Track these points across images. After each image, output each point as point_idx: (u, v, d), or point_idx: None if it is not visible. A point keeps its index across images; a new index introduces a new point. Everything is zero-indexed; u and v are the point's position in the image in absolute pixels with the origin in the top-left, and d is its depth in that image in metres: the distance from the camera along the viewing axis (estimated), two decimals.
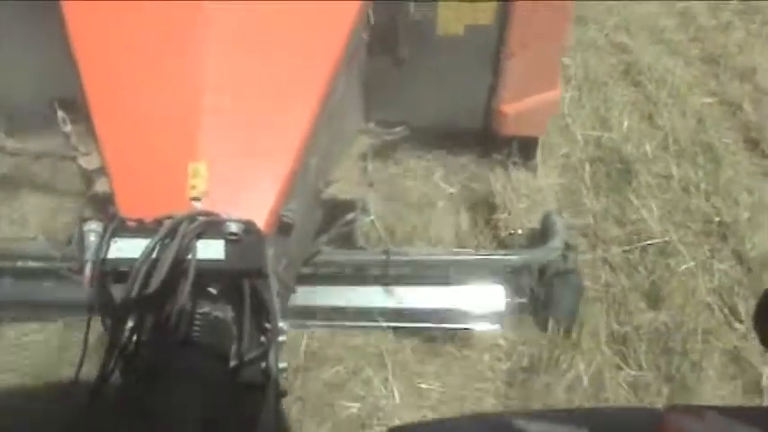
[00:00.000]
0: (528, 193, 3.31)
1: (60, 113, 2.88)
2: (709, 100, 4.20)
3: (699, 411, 1.26)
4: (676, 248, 3.14)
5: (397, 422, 2.48)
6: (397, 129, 3.09)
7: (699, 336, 2.75)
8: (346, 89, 2.48)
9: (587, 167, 3.59)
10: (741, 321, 2.85)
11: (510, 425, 1.34)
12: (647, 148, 3.70)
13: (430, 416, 2.53)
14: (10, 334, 2.78)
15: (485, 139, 3.32)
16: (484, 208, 3.32)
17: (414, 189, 3.39)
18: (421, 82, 2.98)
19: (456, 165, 3.51)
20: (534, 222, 3.04)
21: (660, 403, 2.56)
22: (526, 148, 3.38)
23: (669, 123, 3.90)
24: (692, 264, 3.07)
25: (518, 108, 3.08)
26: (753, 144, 3.89)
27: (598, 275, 3.04)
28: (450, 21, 2.81)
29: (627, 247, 3.16)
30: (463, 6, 2.78)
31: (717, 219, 3.34)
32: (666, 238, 3.17)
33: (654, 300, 2.93)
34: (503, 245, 3.08)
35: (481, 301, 2.74)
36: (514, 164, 3.37)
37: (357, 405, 2.55)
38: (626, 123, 3.88)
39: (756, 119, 4.01)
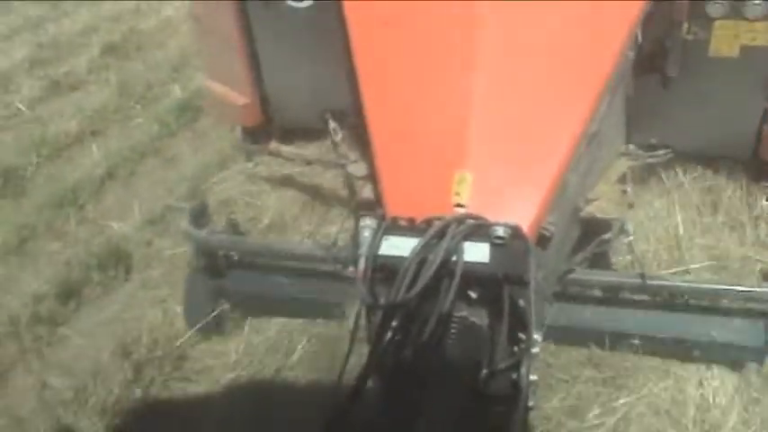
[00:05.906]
0: None
1: (332, 124, 3.08)
2: None
3: None
4: None
5: None
6: (660, 152, 3.00)
7: None
8: (610, 109, 2.46)
9: None
10: None
11: None
12: None
13: None
14: (272, 330, 2.95)
15: (753, 166, 3.14)
16: (747, 239, 3.14)
17: (672, 215, 3.27)
18: (688, 104, 2.89)
19: (719, 191, 3.32)
20: None
21: None
22: None
23: None
24: None
25: None
26: None
27: None
28: (725, 41, 2.70)
29: None
30: (740, 26, 2.66)
31: None
32: None
33: None
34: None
35: (740, 335, 2.57)
36: None
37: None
38: None
39: None
